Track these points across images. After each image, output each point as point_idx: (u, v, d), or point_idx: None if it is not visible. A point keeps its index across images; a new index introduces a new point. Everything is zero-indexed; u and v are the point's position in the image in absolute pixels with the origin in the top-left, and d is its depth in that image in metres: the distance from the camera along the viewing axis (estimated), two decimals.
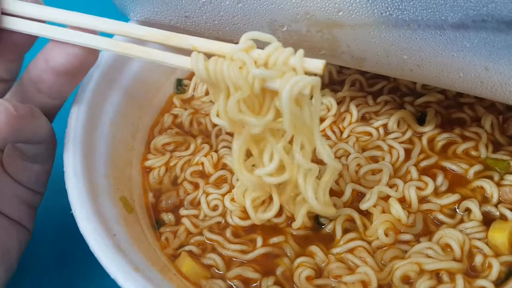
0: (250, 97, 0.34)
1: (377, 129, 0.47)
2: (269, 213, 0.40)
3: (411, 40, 0.37)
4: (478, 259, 0.39)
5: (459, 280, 0.37)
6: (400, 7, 0.35)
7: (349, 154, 0.46)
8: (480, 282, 0.37)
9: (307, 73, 0.33)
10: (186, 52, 0.36)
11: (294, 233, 0.42)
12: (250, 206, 0.40)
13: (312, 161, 0.37)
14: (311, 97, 0.33)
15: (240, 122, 0.35)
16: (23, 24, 0.38)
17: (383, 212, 0.41)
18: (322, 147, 0.35)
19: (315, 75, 0.33)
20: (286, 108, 0.33)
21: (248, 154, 0.38)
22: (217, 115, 0.36)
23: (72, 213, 0.37)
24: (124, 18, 0.49)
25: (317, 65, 0.33)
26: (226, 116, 0.35)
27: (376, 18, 0.36)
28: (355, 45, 0.39)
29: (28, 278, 0.49)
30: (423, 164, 0.44)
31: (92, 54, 0.38)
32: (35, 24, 0.38)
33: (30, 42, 0.39)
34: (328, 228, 0.41)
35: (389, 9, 0.36)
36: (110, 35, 0.39)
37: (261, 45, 0.34)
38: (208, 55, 0.35)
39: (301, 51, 0.33)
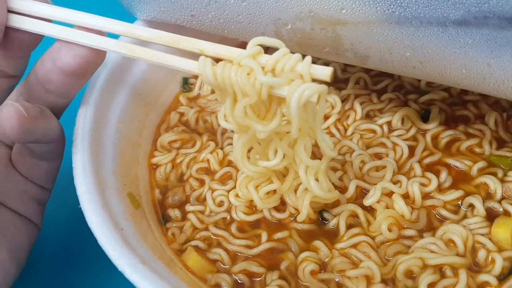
0: (257, 103, 0.34)
1: (381, 126, 0.48)
2: (269, 187, 0.41)
3: (413, 37, 0.37)
4: (481, 254, 0.39)
5: (462, 275, 0.37)
6: (403, 4, 0.36)
7: (353, 151, 0.46)
8: (483, 277, 0.38)
9: (314, 80, 0.33)
10: (193, 54, 0.36)
11: (299, 228, 0.42)
12: (253, 189, 0.41)
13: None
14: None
15: (246, 126, 0.36)
16: (29, 23, 0.39)
17: (387, 208, 0.42)
18: (323, 141, 0.36)
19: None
20: (294, 115, 0.33)
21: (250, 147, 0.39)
22: (225, 119, 0.37)
23: (80, 209, 0.38)
24: (130, 17, 0.50)
25: (325, 72, 0.33)
26: (233, 120, 0.36)
27: (379, 16, 0.37)
28: (359, 43, 0.40)
29: (36, 274, 0.49)
30: (427, 161, 0.45)
31: (99, 55, 0.39)
32: (41, 23, 0.39)
33: (37, 40, 0.40)
34: (332, 223, 0.42)
35: (392, 6, 0.36)
36: (117, 36, 0.40)
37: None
38: (216, 59, 0.35)
39: (308, 58, 0.33)
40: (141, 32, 0.38)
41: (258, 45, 0.34)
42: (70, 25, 0.39)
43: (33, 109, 0.36)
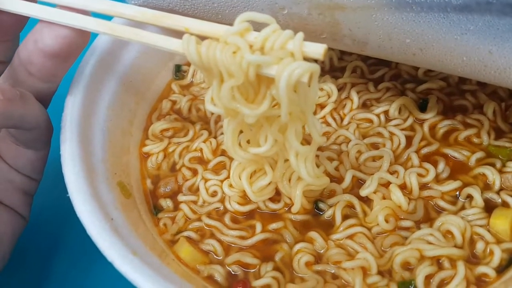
0: (244, 84, 0.32)
1: (378, 116, 0.47)
2: (263, 181, 0.39)
3: (414, 23, 0.36)
4: (480, 246, 0.38)
5: (460, 266, 0.37)
6: None
7: (350, 140, 0.45)
8: (482, 269, 0.37)
9: (307, 59, 0.31)
10: (180, 34, 0.34)
11: (294, 218, 0.41)
12: (246, 181, 0.40)
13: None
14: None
15: (234, 110, 0.34)
16: (12, 4, 0.37)
17: (384, 198, 0.41)
18: (313, 127, 0.35)
19: (315, 60, 0.31)
20: (284, 97, 0.31)
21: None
22: (212, 102, 0.35)
23: (69, 198, 0.37)
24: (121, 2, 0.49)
25: (317, 50, 0.31)
26: (220, 103, 0.34)
27: (378, 0, 0.36)
28: (357, 28, 0.39)
29: (23, 265, 0.48)
30: (424, 151, 0.44)
31: (82, 36, 0.37)
32: (25, 3, 0.37)
33: (22, 22, 0.38)
34: (328, 214, 0.41)
35: None
36: (101, 16, 0.38)
37: (260, 26, 0.32)
38: (202, 38, 0.33)
39: (300, 34, 0.31)
40: (125, 10, 0.36)
41: (247, 21, 0.32)
42: (54, 5, 0.37)
43: (11, 92, 0.34)
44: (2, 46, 0.39)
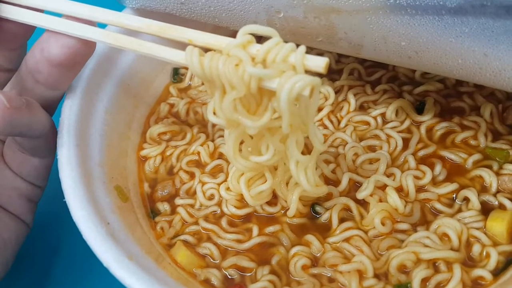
0: (246, 97, 0.33)
1: (375, 118, 0.47)
2: (262, 186, 0.39)
3: (409, 26, 0.36)
4: (476, 248, 0.38)
5: (457, 269, 0.37)
6: None
7: (347, 143, 0.45)
8: (478, 271, 0.37)
9: (308, 72, 0.31)
10: (183, 45, 0.35)
11: (290, 222, 0.41)
12: (244, 186, 0.40)
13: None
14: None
15: (236, 121, 0.34)
16: (20, 13, 0.38)
17: (380, 201, 0.41)
18: (315, 136, 0.35)
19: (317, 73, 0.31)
20: (285, 110, 0.31)
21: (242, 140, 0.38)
22: (214, 113, 0.35)
23: (65, 202, 0.37)
24: (119, 6, 0.49)
25: (319, 63, 0.31)
26: (222, 115, 0.34)
27: (373, 4, 0.36)
28: (353, 31, 0.39)
29: (23, 268, 0.48)
30: (421, 153, 0.44)
31: (87, 45, 0.37)
32: (32, 13, 0.38)
33: (30, 31, 0.39)
34: (324, 217, 0.41)
35: None
36: (106, 26, 0.38)
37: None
38: (206, 49, 0.34)
39: (302, 48, 0.31)
40: (130, 21, 0.37)
41: (250, 33, 0.32)
42: (60, 15, 0.38)
43: (17, 100, 0.34)
44: (10, 54, 0.39)
